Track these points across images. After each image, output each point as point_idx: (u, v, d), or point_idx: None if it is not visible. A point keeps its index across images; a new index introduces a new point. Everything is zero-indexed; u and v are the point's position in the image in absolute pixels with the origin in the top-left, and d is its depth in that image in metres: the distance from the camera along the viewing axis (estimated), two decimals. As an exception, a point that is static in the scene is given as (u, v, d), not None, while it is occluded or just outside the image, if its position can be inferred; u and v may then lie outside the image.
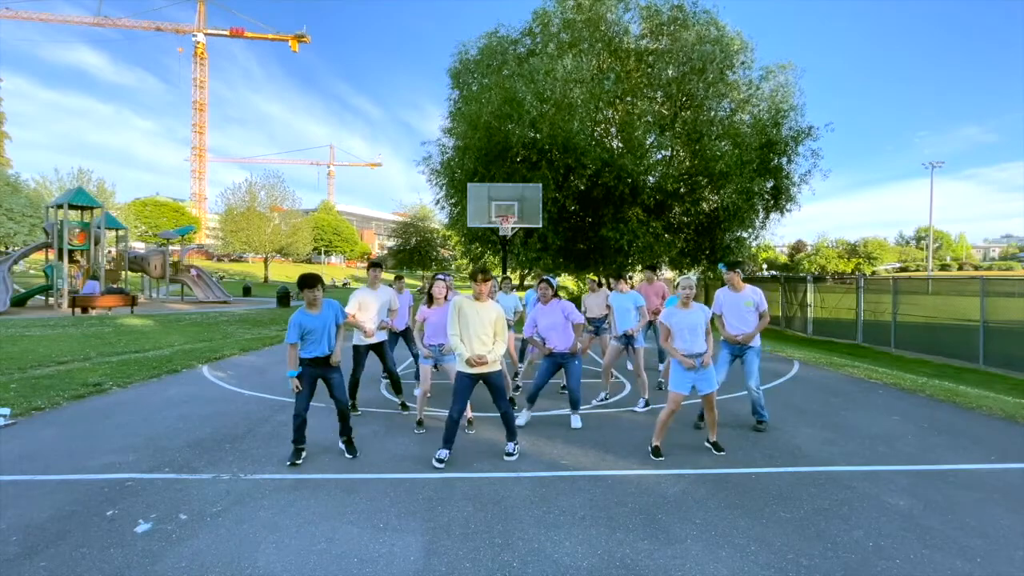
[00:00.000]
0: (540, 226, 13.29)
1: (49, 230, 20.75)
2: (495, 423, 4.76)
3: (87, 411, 5.47)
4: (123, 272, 24.24)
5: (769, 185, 17.84)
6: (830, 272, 63.46)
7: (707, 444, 4.35)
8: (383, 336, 5.53)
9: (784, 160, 17.87)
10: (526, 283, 26.60)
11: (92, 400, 5.95)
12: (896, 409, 5.76)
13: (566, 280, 27.27)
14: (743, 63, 17.70)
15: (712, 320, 4.38)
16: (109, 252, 25.89)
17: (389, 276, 9.58)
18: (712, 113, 17.47)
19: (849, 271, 63.86)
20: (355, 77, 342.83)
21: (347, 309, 4.98)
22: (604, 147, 16.25)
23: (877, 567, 2.60)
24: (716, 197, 16.91)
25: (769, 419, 5.00)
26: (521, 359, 7.07)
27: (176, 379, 7.22)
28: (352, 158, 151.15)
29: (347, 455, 4.15)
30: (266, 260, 51.73)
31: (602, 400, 6.00)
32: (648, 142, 16.57)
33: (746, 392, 4.98)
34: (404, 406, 5.60)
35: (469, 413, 4.88)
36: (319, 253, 70.68)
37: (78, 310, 17.71)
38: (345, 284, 54.42)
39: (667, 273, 25.32)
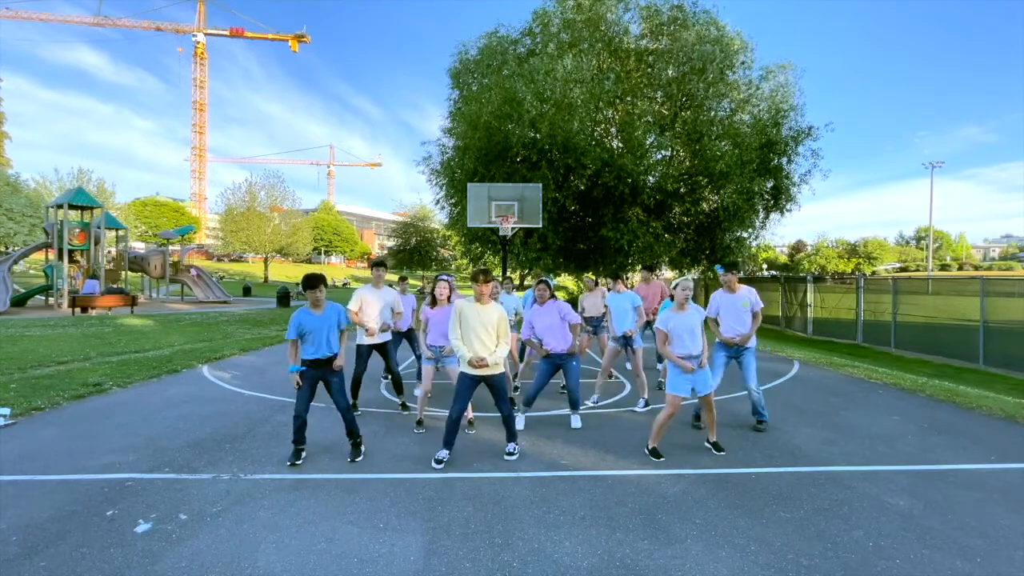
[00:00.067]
0: (540, 226, 13.28)
1: (49, 230, 20.74)
2: (495, 423, 4.77)
3: (87, 411, 5.48)
4: (123, 272, 24.21)
5: (769, 185, 17.83)
6: (830, 272, 63.43)
7: (707, 444, 4.36)
8: (387, 336, 5.53)
9: (784, 160, 17.86)
10: (526, 283, 26.61)
11: (92, 400, 5.95)
12: (896, 409, 5.76)
13: (566, 280, 27.24)
14: (743, 63, 17.69)
15: (706, 321, 4.39)
16: (109, 252, 25.89)
17: (393, 276, 9.59)
18: (712, 113, 17.45)
19: (849, 271, 63.82)
20: (355, 77, 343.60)
21: (349, 306, 4.98)
22: (604, 147, 16.24)
23: (877, 567, 2.60)
24: (716, 197, 16.90)
25: (769, 419, 5.01)
26: (520, 359, 7.06)
27: (176, 379, 7.22)
28: (352, 158, 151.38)
29: (349, 458, 4.09)
30: (266, 260, 51.71)
31: (593, 403, 5.88)
32: (648, 142, 16.56)
33: (746, 392, 4.98)
34: (404, 406, 5.60)
35: (470, 413, 4.88)
36: (319, 253, 70.72)
37: (78, 310, 17.69)
38: (345, 284, 54.37)
39: (667, 273, 25.30)
